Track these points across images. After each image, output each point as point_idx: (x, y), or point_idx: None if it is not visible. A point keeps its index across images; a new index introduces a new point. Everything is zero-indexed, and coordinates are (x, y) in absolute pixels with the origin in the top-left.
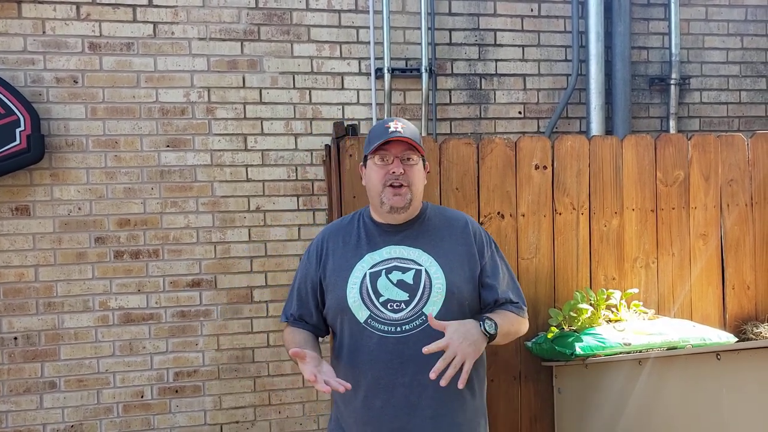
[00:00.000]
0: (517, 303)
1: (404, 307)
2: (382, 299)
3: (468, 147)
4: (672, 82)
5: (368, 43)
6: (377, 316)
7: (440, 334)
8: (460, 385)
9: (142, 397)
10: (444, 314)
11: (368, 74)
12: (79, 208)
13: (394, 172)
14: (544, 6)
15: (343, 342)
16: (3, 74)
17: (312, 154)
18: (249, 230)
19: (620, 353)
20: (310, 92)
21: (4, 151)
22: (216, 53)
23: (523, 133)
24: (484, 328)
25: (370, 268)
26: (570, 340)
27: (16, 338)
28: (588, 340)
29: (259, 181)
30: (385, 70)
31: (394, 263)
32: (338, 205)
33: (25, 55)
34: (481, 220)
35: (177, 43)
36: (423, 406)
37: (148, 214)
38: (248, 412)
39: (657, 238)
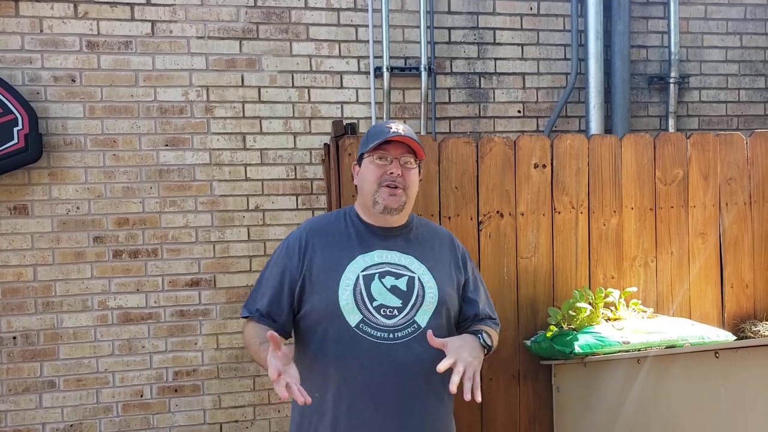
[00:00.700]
0: (495, 319)
1: (397, 313)
2: (375, 303)
3: (467, 146)
4: (671, 80)
5: (367, 41)
6: (370, 320)
7: (428, 342)
8: (477, 396)
9: (141, 396)
10: (434, 323)
11: (367, 73)
12: (78, 208)
13: (392, 173)
14: (544, 4)
15: (324, 347)
16: (0, 73)
17: (311, 153)
18: (248, 229)
19: (619, 352)
20: (309, 91)
21: (1, 150)
22: (214, 52)
23: (522, 132)
24: (483, 341)
25: (363, 271)
26: (569, 338)
27: (15, 338)
28: (587, 339)
29: (258, 180)
30: (384, 69)
31: (387, 268)
32: (337, 204)
33: (23, 54)
34: (480, 219)
35: (175, 42)
36: (413, 414)
37: (147, 214)
38: (247, 411)
39: (656, 237)
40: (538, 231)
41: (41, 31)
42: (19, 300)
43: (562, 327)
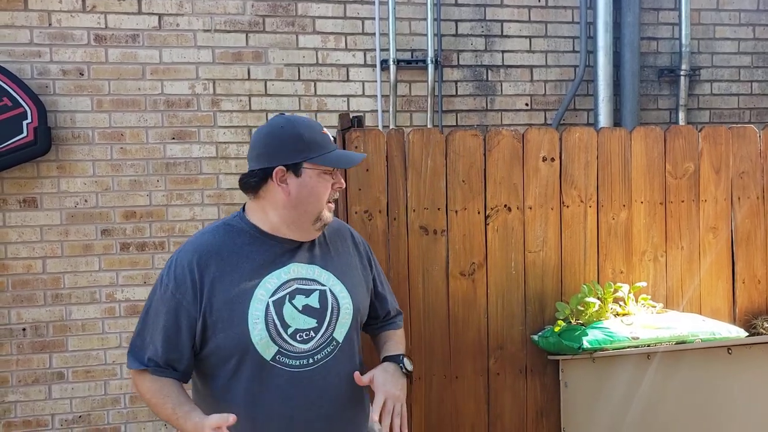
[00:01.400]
0: (401, 312)
1: (313, 335)
2: (290, 330)
3: (475, 139)
4: (682, 73)
5: (373, 34)
6: (286, 350)
7: (348, 355)
8: (404, 430)
9: None
10: (350, 334)
11: (374, 66)
12: (86, 201)
13: (339, 187)
14: None
15: (235, 386)
16: (10, 66)
17: None
18: None
19: (628, 347)
20: (315, 84)
21: (11, 143)
22: (221, 45)
23: (530, 125)
24: (405, 369)
25: (271, 297)
26: (577, 333)
27: (24, 329)
28: (595, 334)
29: None
30: (391, 62)
31: (295, 285)
32: (343, 198)
33: (32, 48)
34: (487, 212)
35: (182, 35)
36: None
37: (154, 207)
38: None
39: (666, 231)
40: (546, 225)
41: (50, 24)
42: (29, 292)
43: (571, 322)
